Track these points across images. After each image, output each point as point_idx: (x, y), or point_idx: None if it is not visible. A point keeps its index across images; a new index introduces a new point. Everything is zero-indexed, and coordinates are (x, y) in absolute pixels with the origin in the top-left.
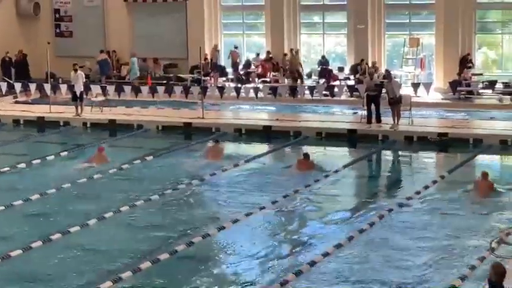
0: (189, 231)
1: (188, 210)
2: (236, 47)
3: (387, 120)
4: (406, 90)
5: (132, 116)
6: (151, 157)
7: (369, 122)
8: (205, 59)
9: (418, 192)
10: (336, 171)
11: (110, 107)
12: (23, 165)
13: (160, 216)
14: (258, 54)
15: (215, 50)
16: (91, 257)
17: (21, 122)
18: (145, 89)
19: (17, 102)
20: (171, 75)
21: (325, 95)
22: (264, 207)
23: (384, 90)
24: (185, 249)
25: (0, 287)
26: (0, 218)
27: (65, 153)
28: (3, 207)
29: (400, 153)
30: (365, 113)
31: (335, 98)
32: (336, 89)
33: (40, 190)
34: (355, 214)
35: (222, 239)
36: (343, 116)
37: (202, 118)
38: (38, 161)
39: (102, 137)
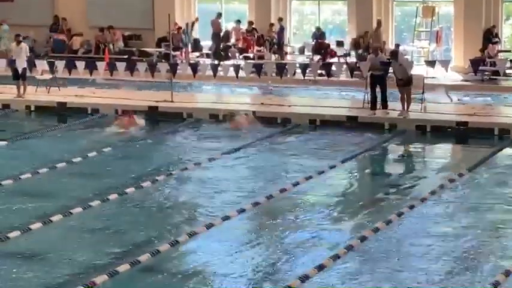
0: (154, 238)
1: (152, 212)
2: (220, 15)
3: (395, 105)
4: (418, 70)
5: (85, 98)
6: (109, 148)
7: (373, 107)
8: (179, 28)
9: (433, 193)
10: (333, 167)
11: (59, 86)
12: None
13: (118, 217)
14: (239, 21)
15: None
16: (32, 267)
17: None
18: (101, 66)
19: None
20: (134, 49)
21: (321, 75)
22: (244, 210)
23: (391, 70)
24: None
25: None
26: None
27: (3, 143)
28: None
29: (410, 145)
30: (368, 96)
31: (332, 79)
32: (333, 68)
33: None
34: (354, 219)
35: (193, 247)
36: (341, 100)
37: (171, 101)
38: None
39: (49, 123)
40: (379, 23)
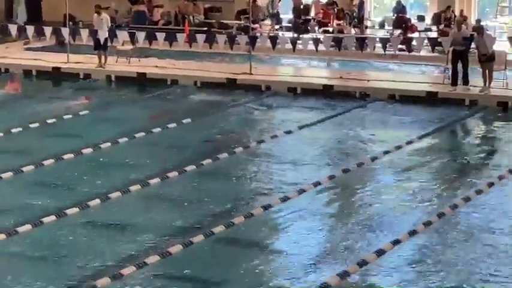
0: (229, 210)
1: (228, 183)
2: None
3: (476, 81)
4: (501, 46)
5: (165, 69)
6: (188, 119)
7: (454, 83)
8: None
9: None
10: (410, 142)
11: (139, 57)
12: (36, 124)
13: (197, 190)
14: None
15: None
16: (113, 235)
17: (34, 73)
18: (181, 38)
19: (28, 49)
20: (213, 21)
21: (401, 50)
22: (319, 183)
23: (473, 45)
24: (222, 231)
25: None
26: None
27: (86, 111)
28: (12, 173)
29: (491, 122)
30: (449, 72)
31: (413, 54)
32: (414, 43)
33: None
34: (434, 195)
35: (267, 220)
36: (422, 75)
37: (250, 74)
38: (53, 120)
39: (129, 93)
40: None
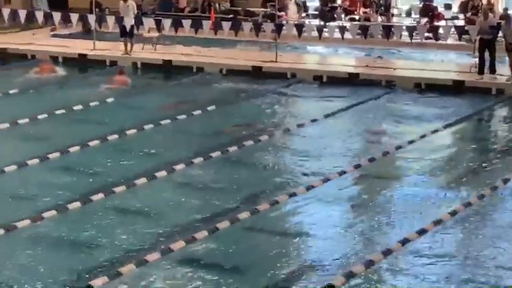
0: (254, 197)
1: (254, 171)
2: None
3: (503, 70)
4: None
5: (191, 56)
6: (213, 107)
7: (481, 72)
8: None
9: None
10: (435, 132)
11: (165, 44)
12: (62, 111)
13: (222, 177)
14: None
15: None
16: (138, 221)
17: (60, 59)
18: (207, 25)
19: (55, 35)
20: (239, 8)
21: (428, 38)
22: (344, 172)
23: (500, 34)
24: (247, 218)
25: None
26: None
27: (112, 98)
28: (38, 160)
29: None
30: (476, 60)
31: (439, 42)
32: (440, 31)
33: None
34: (460, 184)
35: (292, 207)
36: (448, 64)
37: (276, 61)
38: (79, 106)
39: (155, 80)
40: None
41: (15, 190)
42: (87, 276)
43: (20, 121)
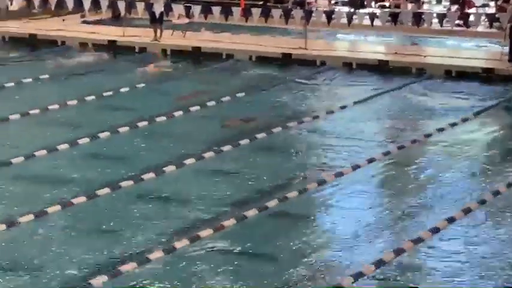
0: (282, 184)
1: (282, 158)
2: None
3: None
4: None
5: (220, 43)
6: (242, 94)
7: (511, 59)
8: None
9: None
10: (465, 120)
11: (195, 31)
12: (92, 97)
13: (251, 165)
14: None
15: None
16: (166, 208)
17: (90, 45)
18: (237, 11)
19: (85, 22)
20: None
21: (458, 25)
22: (374, 159)
23: None
24: (276, 205)
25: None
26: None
27: (142, 84)
28: (67, 145)
29: None
30: (507, 48)
31: (470, 29)
32: (471, 18)
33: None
34: (488, 172)
35: (321, 195)
36: (478, 51)
37: (305, 49)
38: (109, 93)
39: (184, 66)
40: None
41: (45, 176)
42: (116, 262)
43: (51, 107)
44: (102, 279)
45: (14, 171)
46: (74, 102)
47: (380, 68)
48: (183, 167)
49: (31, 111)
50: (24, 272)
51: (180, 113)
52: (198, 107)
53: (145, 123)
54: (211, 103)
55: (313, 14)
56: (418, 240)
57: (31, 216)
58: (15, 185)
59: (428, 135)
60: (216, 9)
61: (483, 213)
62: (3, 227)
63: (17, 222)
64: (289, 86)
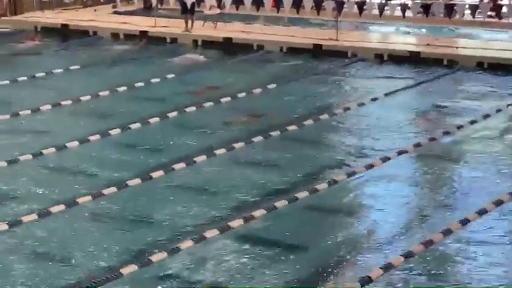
0: (312, 176)
1: (313, 150)
2: None
3: None
4: None
5: (251, 34)
6: (273, 85)
7: None
8: None
9: None
10: (499, 111)
11: (226, 22)
12: (123, 88)
13: (281, 156)
14: None
15: None
16: (196, 198)
17: (121, 36)
18: (268, 2)
19: (116, 12)
20: None
21: (490, 16)
22: (405, 151)
23: None
24: (306, 197)
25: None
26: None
27: (172, 75)
28: (99, 136)
29: None
30: None
31: (503, 21)
32: (504, 9)
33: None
34: None
35: (350, 187)
36: (510, 43)
37: (336, 40)
38: (140, 84)
39: (215, 57)
40: None
41: (77, 166)
42: (146, 251)
43: (82, 98)
44: (132, 268)
45: (46, 161)
46: (106, 93)
47: (411, 60)
48: (214, 157)
49: (63, 102)
50: (56, 260)
51: (211, 103)
52: (228, 98)
53: (175, 113)
54: (242, 94)
55: (344, 5)
56: (447, 232)
57: (62, 207)
58: (47, 176)
59: (460, 127)
60: (248, 0)
61: None
62: (35, 216)
63: (48, 212)
64: (320, 77)
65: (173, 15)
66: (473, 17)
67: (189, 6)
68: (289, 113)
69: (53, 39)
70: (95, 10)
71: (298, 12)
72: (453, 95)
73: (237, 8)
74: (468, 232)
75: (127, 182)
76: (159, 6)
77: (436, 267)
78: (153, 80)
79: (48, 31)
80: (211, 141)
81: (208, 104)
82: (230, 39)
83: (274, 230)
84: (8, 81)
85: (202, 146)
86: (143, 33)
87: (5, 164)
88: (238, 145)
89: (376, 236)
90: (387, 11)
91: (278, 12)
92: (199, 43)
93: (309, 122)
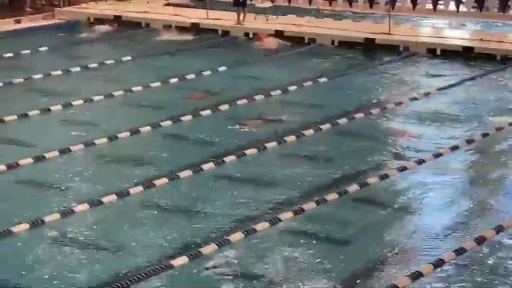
0: (363, 170)
1: (364, 144)
2: None
3: None
4: None
5: (303, 27)
6: (324, 79)
7: None
8: None
9: None
10: None
11: (278, 15)
12: (175, 79)
13: (332, 149)
14: None
15: None
16: (246, 190)
17: (173, 28)
18: None
19: (168, 4)
20: None
21: None
22: (457, 147)
23: None
24: (357, 190)
25: None
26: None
27: (224, 68)
28: (150, 127)
29: None
30: None
31: None
32: None
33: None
34: None
35: (401, 182)
36: None
37: (389, 34)
38: (192, 76)
39: (266, 50)
40: None
41: (128, 157)
42: (196, 243)
43: (134, 88)
44: (182, 260)
45: (98, 151)
46: (157, 84)
47: (464, 55)
48: (264, 150)
49: (115, 93)
50: (107, 250)
51: (261, 96)
52: (279, 91)
53: (226, 106)
54: (293, 87)
55: None
56: (500, 229)
57: (114, 197)
58: (99, 166)
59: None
60: None
61: None
62: (87, 206)
63: (100, 201)
64: (372, 71)
65: (225, 7)
66: None
67: None
68: (340, 106)
69: (105, 30)
70: (148, 2)
71: (351, 6)
72: (507, 91)
73: (289, 1)
74: None
75: (178, 173)
76: None
77: (487, 264)
78: (204, 73)
79: (100, 22)
80: (261, 134)
81: (258, 97)
82: (282, 32)
83: (323, 223)
84: (60, 72)
85: (252, 138)
86: (195, 25)
87: (57, 154)
88: (288, 138)
89: (426, 232)
90: (441, 6)
91: (330, 5)
92: (251, 36)
93: (360, 115)
